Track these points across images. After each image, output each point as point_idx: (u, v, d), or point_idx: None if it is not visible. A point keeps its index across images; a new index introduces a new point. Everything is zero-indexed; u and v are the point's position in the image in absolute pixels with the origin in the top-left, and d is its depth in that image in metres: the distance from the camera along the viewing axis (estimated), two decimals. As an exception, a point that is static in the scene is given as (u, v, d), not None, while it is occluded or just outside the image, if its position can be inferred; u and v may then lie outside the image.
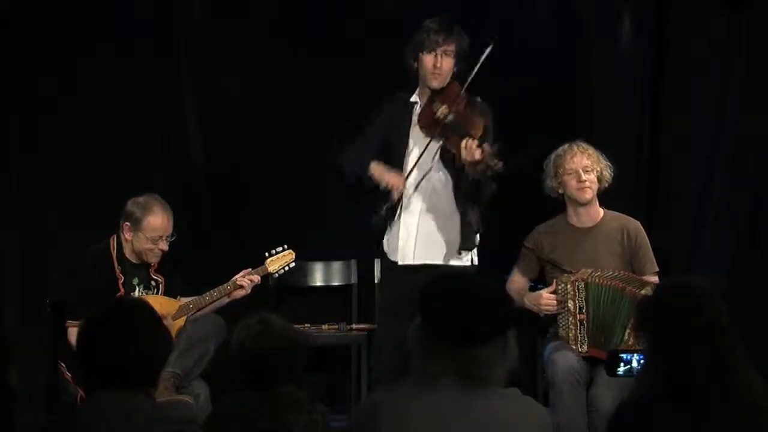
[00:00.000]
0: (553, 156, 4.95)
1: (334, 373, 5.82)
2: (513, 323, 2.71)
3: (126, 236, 4.83)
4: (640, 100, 5.78)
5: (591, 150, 4.92)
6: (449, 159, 4.70)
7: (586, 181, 4.86)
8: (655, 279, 4.83)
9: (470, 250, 4.78)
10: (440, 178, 4.75)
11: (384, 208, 4.71)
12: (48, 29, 5.67)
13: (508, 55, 5.85)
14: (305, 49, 5.83)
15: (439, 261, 4.75)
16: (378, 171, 4.71)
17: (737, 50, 5.68)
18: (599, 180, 4.91)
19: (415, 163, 4.69)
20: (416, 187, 4.75)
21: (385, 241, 4.86)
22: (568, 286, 4.75)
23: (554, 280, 4.81)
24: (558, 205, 5.03)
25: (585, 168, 4.86)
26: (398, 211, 4.76)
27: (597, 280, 4.72)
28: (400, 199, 4.72)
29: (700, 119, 5.75)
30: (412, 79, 4.83)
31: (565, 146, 4.95)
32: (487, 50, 4.65)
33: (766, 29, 5.66)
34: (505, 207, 5.56)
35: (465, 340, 2.63)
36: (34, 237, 5.69)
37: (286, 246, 5.05)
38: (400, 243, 4.76)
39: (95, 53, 5.68)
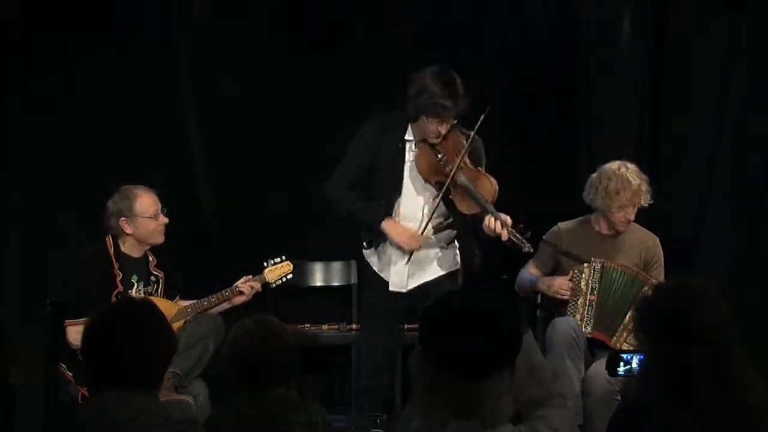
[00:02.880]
0: (609, 180, 4.83)
1: (334, 373, 5.83)
2: (517, 352, 2.51)
3: (127, 231, 4.83)
4: (640, 100, 5.78)
5: (644, 183, 4.85)
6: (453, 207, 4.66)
7: (631, 219, 4.89)
8: None
9: (477, 267, 4.78)
10: (440, 218, 4.70)
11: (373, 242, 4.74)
12: (48, 29, 5.66)
13: (508, 55, 5.89)
14: (305, 49, 5.83)
15: (427, 279, 4.73)
16: (393, 230, 4.64)
17: (737, 50, 5.68)
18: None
19: (429, 218, 4.62)
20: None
21: (372, 253, 4.82)
22: (584, 265, 4.81)
23: (571, 271, 4.85)
24: (555, 207, 5.04)
25: (635, 204, 4.85)
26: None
27: (613, 265, 4.81)
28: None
29: (700, 119, 5.75)
30: (408, 115, 4.66)
31: (622, 173, 4.83)
32: (484, 114, 4.55)
33: (766, 29, 5.66)
34: (498, 209, 5.59)
35: (469, 375, 2.46)
36: (33, 237, 5.69)
37: (284, 257, 5.06)
38: (392, 272, 4.71)
39: (95, 53, 5.67)
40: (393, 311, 4.78)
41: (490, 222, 4.48)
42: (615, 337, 4.75)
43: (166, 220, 4.87)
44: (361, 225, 4.76)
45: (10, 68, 5.65)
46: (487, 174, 4.63)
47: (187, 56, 5.83)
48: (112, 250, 4.86)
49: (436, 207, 4.61)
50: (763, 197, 5.69)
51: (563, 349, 4.60)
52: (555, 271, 4.99)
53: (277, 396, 3.33)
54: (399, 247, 4.66)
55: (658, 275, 4.92)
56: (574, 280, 4.83)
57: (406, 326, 5.02)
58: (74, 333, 4.65)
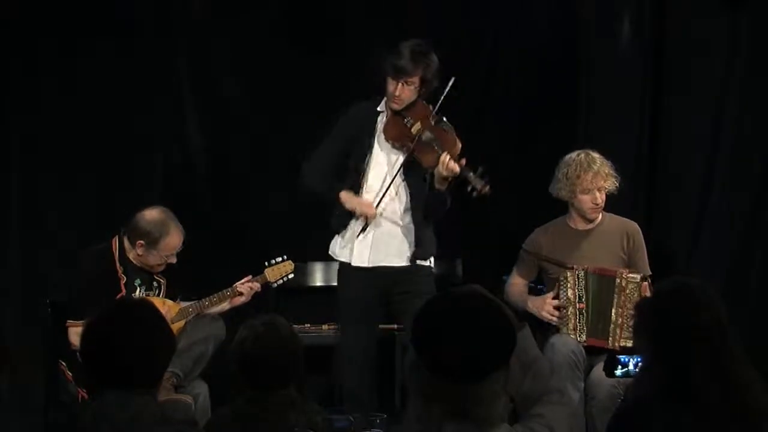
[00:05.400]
0: (569, 166, 4.87)
1: (334, 373, 5.82)
2: (512, 352, 2.47)
3: (138, 251, 4.80)
4: (640, 100, 5.78)
5: (606, 166, 4.87)
6: (416, 171, 4.73)
7: (600, 203, 4.87)
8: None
9: (425, 259, 4.82)
10: (401, 187, 4.77)
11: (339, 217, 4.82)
12: (48, 29, 5.66)
13: (508, 55, 5.90)
14: (305, 49, 5.83)
15: (394, 264, 4.78)
16: (349, 199, 4.75)
17: (737, 50, 5.68)
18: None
19: (391, 182, 4.70)
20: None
21: (334, 242, 4.89)
22: (568, 274, 4.79)
23: (556, 285, 4.83)
24: (554, 206, 5.03)
25: (600, 188, 4.85)
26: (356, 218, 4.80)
27: (595, 270, 4.77)
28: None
29: (700, 119, 5.74)
30: (382, 90, 4.80)
31: (581, 158, 4.87)
32: (450, 84, 4.66)
33: (766, 29, 5.66)
34: (498, 208, 5.59)
35: (465, 377, 2.41)
36: (34, 237, 5.69)
37: (285, 256, 5.06)
38: (355, 247, 4.78)
39: (95, 53, 5.68)
40: (367, 305, 4.80)
41: (444, 159, 4.55)
42: (611, 339, 4.73)
43: (173, 261, 4.85)
44: (326, 201, 4.84)
45: (10, 68, 5.66)
46: (453, 133, 4.70)
47: (187, 56, 5.83)
48: (117, 254, 4.85)
49: (399, 166, 4.69)
50: (763, 197, 5.69)
51: (563, 372, 4.57)
52: (540, 276, 5.00)
53: (277, 396, 3.34)
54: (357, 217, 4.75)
55: (643, 265, 4.89)
56: (561, 290, 4.80)
57: (396, 326, 5.03)
58: (75, 334, 4.64)
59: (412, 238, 4.78)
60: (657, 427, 2.70)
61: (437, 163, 4.59)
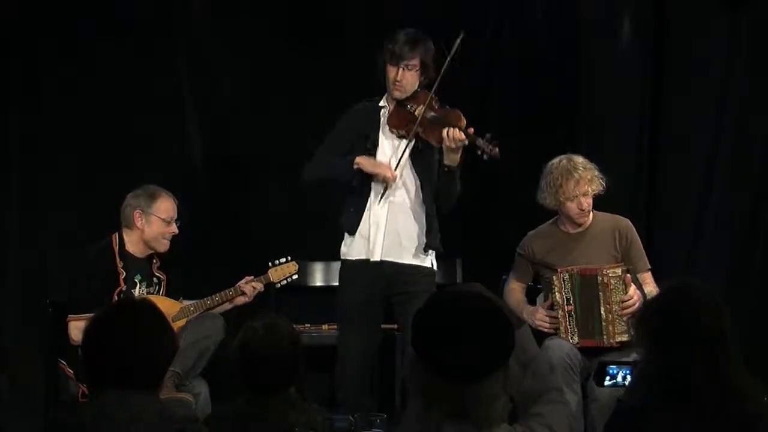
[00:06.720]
0: (551, 174, 4.83)
1: (334, 373, 5.81)
2: (512, 352, 2.47)
3: (137, 224, 4.82)
4: (640, 100, 5.78)
5: (589, 171, 4.81)
6: (425, 159, 4.75)
7: (586, 208, 4.84)
8: (647, 275, 4.85)
9: (435, 249, 4.82)
10: (409, 176, 4.78)
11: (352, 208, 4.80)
12: (48, 29, 5.67)
13: (507, 55, 5.90)
14: (305, 49, 5.83)
15: (403, 260, 4.78)
16: (366, 162, 4.75)
17: (737, 50, 5.68)
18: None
19: (399, 159, 4.72)
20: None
21: (345, 243, 4.87)
22: (554, 277, 4.77)
23: (549, 296, 4.82)
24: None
25: (585, 194, 4.81)
26: (367, 205, 4.78)
27: (578, 271, 4.74)
28: (368, 193, 4.77)
29: (700, 119, 5.74)
30: (383, 85, 4.83)
31: (563, 165, 4.82)
32: (449, 57, 4.68)
33: (766, 29, 5.66)
34: (498, 208, 5.60)
35: (465, 377, 2.41)
36: (34, 237, 5.69)
37: (290, 257, 5.06)
38: (370, 239, 4.77)
39: (95, 53, 5.68)
40: (369, 305, 4.80)
41: (449, 131, 4.58)
42: (605, 338, 4.72)
43: (176, 230, 4.87)
44: (338, 174, 4.80)
45: (10, 68, 5.66)
46: (457, 111, 4.72)
47: (187, 56, 5.83)
48: (117, 249, 4.87)
49: (404, 149, 4.72)
50: (763, 197, 5.69)
51: (559, 373, 4.54)
52: (536, 278, 4.99)
53: (277, 396, 3.34)
54: (376, 181, 4.74)
55: (640, 260, 4.87)
56: (551, 294, 4.78)
57: (396, 326, 5.03)
58: (75, 329, 4.66)
59: (423, 228, 4.78)
60: (655, 428, 2.70)
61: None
